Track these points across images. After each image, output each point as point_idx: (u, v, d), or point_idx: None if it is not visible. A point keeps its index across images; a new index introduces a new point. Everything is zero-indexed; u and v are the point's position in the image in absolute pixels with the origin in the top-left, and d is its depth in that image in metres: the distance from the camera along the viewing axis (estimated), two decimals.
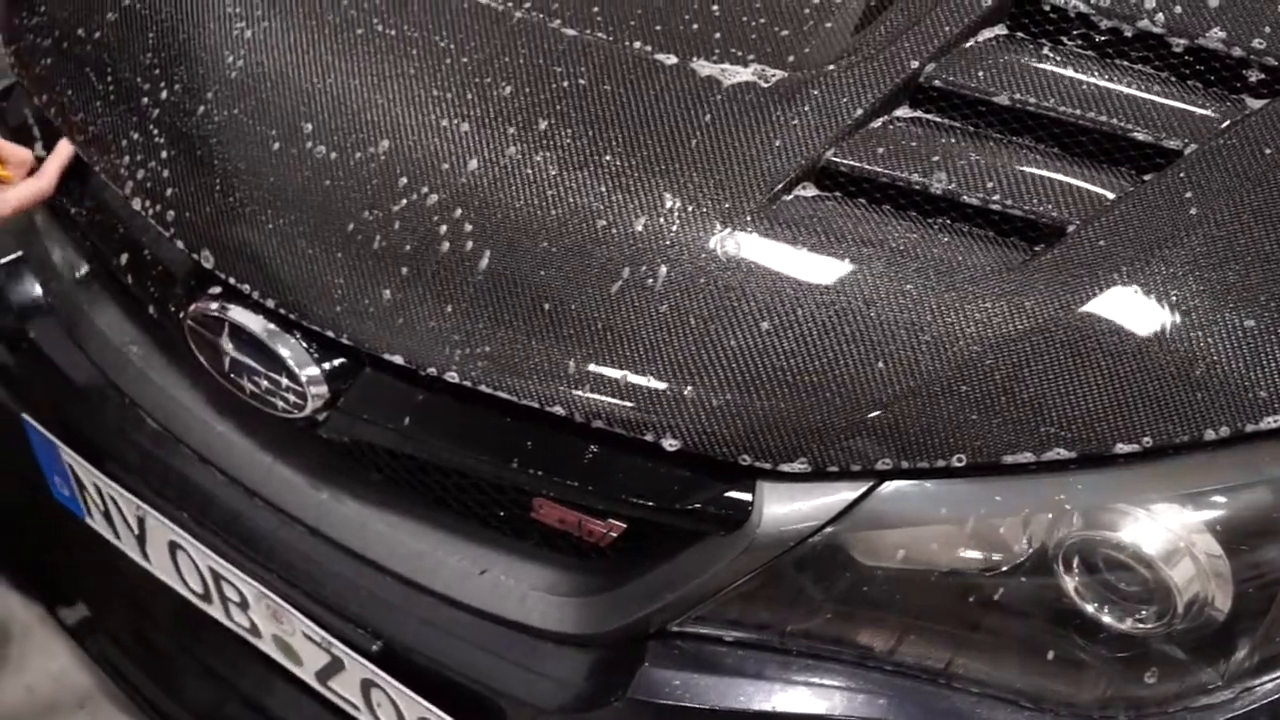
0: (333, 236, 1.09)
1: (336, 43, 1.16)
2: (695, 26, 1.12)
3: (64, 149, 1.28)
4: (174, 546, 1.31)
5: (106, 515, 1.38)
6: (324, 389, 1.11)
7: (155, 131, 1.20)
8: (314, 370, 1.11)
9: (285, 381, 1.12)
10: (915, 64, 1.05)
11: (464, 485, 1.16)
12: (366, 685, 1.20)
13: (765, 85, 1.07)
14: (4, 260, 1.40)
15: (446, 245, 1.05)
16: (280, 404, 1.14)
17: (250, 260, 1.12)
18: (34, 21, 1.32)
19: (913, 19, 1.07)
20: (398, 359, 1.06)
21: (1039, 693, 1.00)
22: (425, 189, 1.07)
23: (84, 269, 1.41)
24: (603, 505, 1.05)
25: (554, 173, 1.05)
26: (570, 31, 1.13)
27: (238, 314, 1.13)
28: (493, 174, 1.06)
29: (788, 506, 0.98)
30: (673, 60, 1.09)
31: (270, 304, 1.11)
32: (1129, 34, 1.05)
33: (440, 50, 1.13)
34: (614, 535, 1.08)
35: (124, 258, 1.24)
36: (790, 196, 1.02)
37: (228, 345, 1.15)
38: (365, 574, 1.19)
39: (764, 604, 1.03)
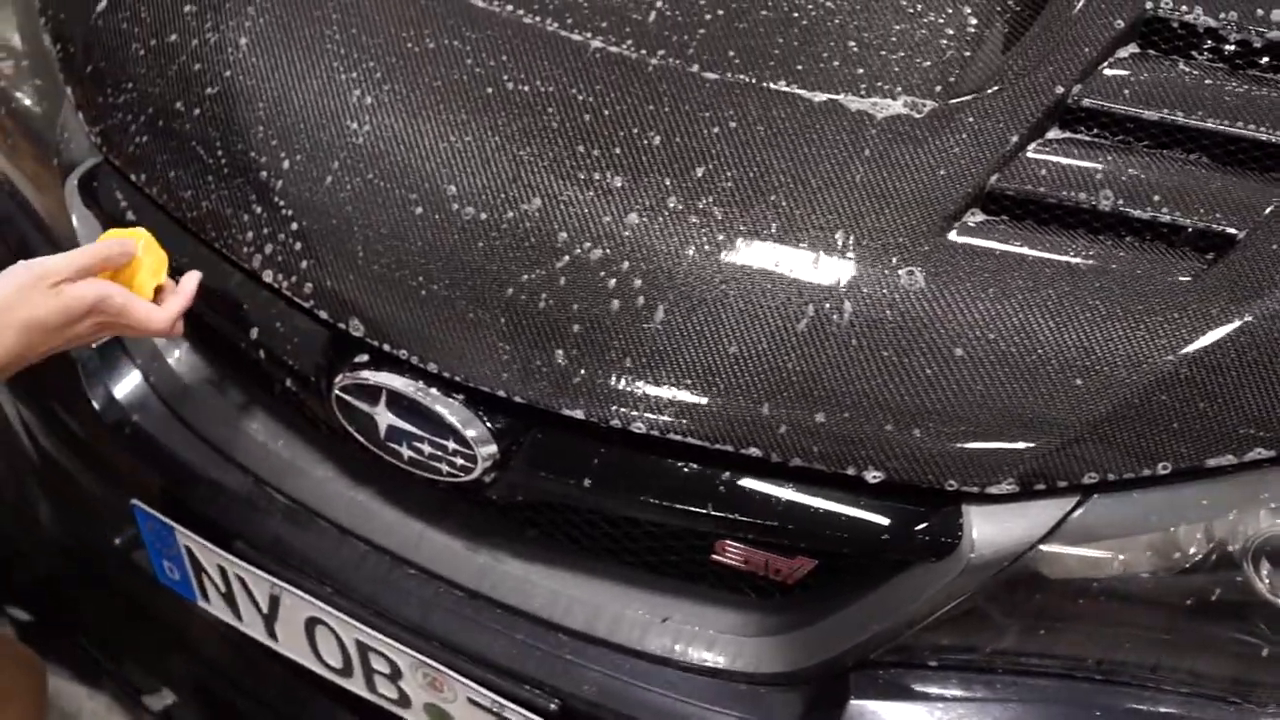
0: (494, 298, 1.08)
1: (468, 102, 1.16)
2: (836, 63, 1.14)
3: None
4: (312, 623, 1.29)
5: (227, 596, 1.35)
6: (493, 449, 1.11)
7: (280, 203, 1.18)
8: (481, 431, 1.10)
9: (452, 445, 1.11)
10: (1061, 88, 1.08)
11: (636, 534, 1.16)
12: None
13: (918, 116, 1.09)
14: (98, 343, 1.37)
15: (617, 302, 1.06)
16: (445, 468, 1.13)
17: (406, 326, 1.11)
18: (122, 99, 1.30)
19: (1051, 44, 1.10)
20: (578, 414, 1.06)
21: (1246, 687, 1.04)
22: (587, 245, 1.08)
23: (181, 351, 1.39)
24: (800, 543, 1.06)
25: (720, 218, 1.07)
26: (711, 76, 1.14)
27: (395, 380, 1.12)
28: (656, 225, 1.07)
29: (998, 528, 1.00)
30: (821, 97, 1.11)
31: (431, 368, 1.10)
32: (1258, 45, 1.10)
33: (580, 104, 1.14)
34: (803, 572, 1.10)
35: (249, 332, 1.22)
36: (961, 224, 1.05)
37: (384, 413, 1.14)
38: (536, 632, 1.19)
39: (970, 625, 1.05)
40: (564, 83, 1.15)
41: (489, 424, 1.11)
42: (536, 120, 1.14)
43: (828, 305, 1.03)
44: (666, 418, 1.04)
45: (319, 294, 1.15)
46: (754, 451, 1.02)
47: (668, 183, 1.09)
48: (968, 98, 1.09)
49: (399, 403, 1.13)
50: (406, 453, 1.15)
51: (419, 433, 1.13)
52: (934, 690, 1.07)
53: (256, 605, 1.33)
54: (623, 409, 1.05)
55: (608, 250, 1.07)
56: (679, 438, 1.04)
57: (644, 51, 1.16)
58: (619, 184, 1.10)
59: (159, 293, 1.17)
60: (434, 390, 1.11)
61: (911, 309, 1.02)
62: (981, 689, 1.06)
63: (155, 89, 1.28)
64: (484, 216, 1.11)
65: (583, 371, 1.06)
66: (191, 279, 1.17)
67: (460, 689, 1.22)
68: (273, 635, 1.35)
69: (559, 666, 1.17)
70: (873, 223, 1.04)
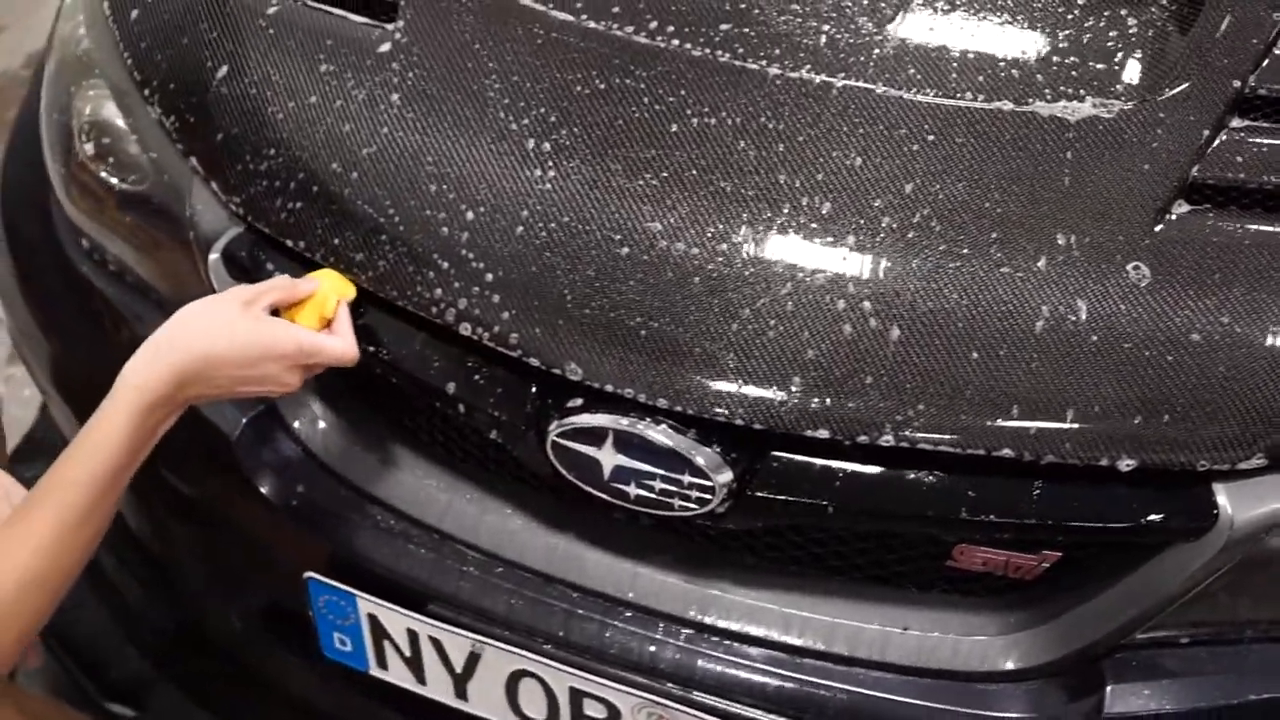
0: (721, 331, 1.10)
1: (655, 139, 1.17)
2: (1015, 73, 1.19)
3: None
4: (517, 677, 1.28)
5: (412, 660, 1.33)
6: (729, 477, 1.12)
7: (470, 256, 1.18)
8: (716, 461, 1.11)
9: (688, 478, 1.12)
10: (1237, 80, 1.14)
11: (868, 548, 1.18)
12: None
13: (1109, 116, 1.14)
14: (250, 416, 1.34)
15: (849, 326, 1.08)
16: (678, 503, 1.14)
17: (631, 365, 1.12)
18: (264, 166, 1.28)
19: (1221, 39, 1.16)
20: (822, 434, 1.08)
21: None
22: (809, 270, 1.10)
23: (331, 414, 1.37)
24: (1055, 538, 1.10)
25: (939, 230, 1.10)
26: (896, 94, 1.17)
27: (622, 421, 1.12)
28: (875, 245, 1.10)
29: (1253, 501, 1.05)
30: (1010, 106, 1.16)
31: (661, 404, 1.11)
32: None
33: (771, 132, 1.16)
34: (1046, 566, 1.13)
35: (445, 388, 1.21)
36: (1170, 216, 1.10)
37: (609, 454, 1.14)
38: (772, 657, 1.20)
39: (1223, 600, 1.09)
40: (749, 113, 1.18)
41: (723, 453, 1.12)
42: (730, 152, 1.16)
43: (1062, 306, 1.07)
44: (915, 430, 1.06)
45: (528, 342, 1.15)
46: (1006, 452, 1.06)
47: (878, 203, 1.12)
48: (1154, 96, 1.15)
49: (626, 442, 1.13)
50: (634, 492, 1.15)
51: (649, 469, 1.13)
52: (1191, 665, 1.11)
53: (449, 666, 1.32)
54: (869, 425, 1.07)
55: (831, 274, 1.10)
56: (928, 447, 1.06)
57: (825, 75, 1.19)
58: (827, 209, 1.12)
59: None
60: (663, 426, 1.12)
61: (1144, 301, 1.06)
62: (1233, 659, 1.11)
63: (303, 153, 1.27)
64: (695, 251, 1.12)
65: (823, 393, 1.08)
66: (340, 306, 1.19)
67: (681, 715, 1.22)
68: (462, 696, 1.34)
69: (800, 687, 1.19)
70: (1090, 223, 1.09)
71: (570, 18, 1.27)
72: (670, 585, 1.24)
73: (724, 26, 1.24)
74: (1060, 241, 1.09)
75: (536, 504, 1.30)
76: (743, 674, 1.21)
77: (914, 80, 1.19)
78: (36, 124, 1.60)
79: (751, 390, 1.09)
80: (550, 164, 1.18)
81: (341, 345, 1.16)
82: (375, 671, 1.38)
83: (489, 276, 1.17)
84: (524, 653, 1.26)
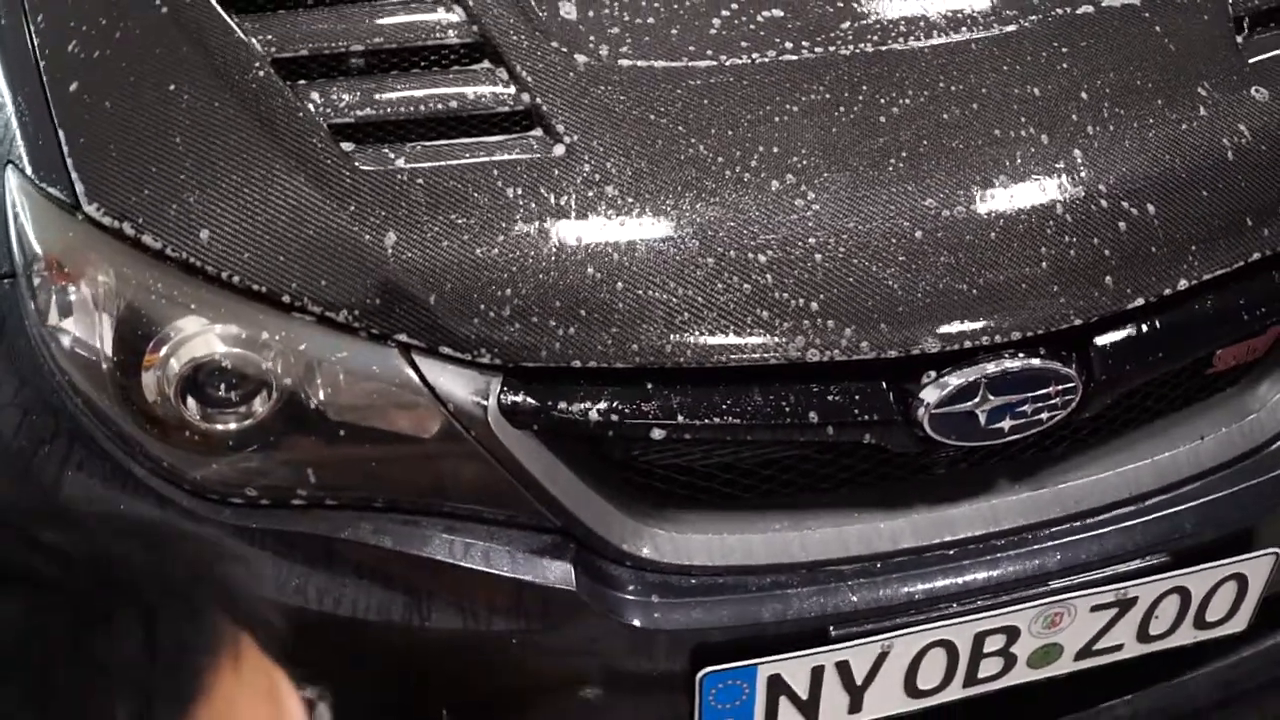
0: (1035, 257, 1.28)
1: (877, 130, 1.32)
2: None
3: None
4: (920, 655, 1.37)
5: (808, 701, 1.37)
6: (1081, 374, 1.30)
7: (785, 295, 1.26)
8: (1070, 365, 1.29)
9: (1053, 389, 1.29)
10: None
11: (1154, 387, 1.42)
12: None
13: None
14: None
15: (1123, 223, 1.31)
16: (1045, 415, 1.30)
17: (975, 318, 1.27)
18: (509, 308, 1.25)
19: None
20: (1138, 301, 1.30)
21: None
22: (1068, 191, 1.31)
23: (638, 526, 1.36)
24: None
25: (1123, 112, 1.35)
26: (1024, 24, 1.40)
27: (989, 367, 1.27)
28: (1097, 146, 1.33)
29: None
30: (1088, 9, 1.43)
31: (1014, 337, 1.27)
32: None
33: (955, 94, 1.35)
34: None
35: (807, 417, 1.27)
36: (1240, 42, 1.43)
37: (984, 401, 1.28)
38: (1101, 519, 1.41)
39: None
40: (927, 83, 1.35)
41: (1068, 357, 1.30)
42: (939, 119, 1.33)
43: (1239, 132, 1.36)
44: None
45: (882, 340, 1.26)
46: None
47: (1075, 116, 1.34)
48: None
49: (996, 385, 1.28)
50: (1009, 424, 1.30)
51: (1019, 398, 1.29)
52: None
53: (849, 684, 1.38)
54: (1161, 279, 1.31)
55: (1080, 186, 1.31)
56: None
57: (952, 35, 1.39)
58: (1045, 139, 1.33)
59: None
60: (1021, 356, 1.28)
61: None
62: None
63: (548, 277, 1.25)
64: (973, 205, 1.29)
65: (1124, 269, 1.30)
66: None
67: (1080, 605, 1.39)
68: (856, 709, 1.40)
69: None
70: (1207, 68, 1.39)
71: (712, 62, 1.36)
72: (1021, 500, 1.39)
73: (844, 25, 1.40)
74: (1201, 92, 1.38)
75: (855, 498, 1.39)
76: (1092, 545, 1.40)
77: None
78: None
79: (1074, 296, 1.28)
80: (804, 188, 1.29)
81: None
82: None
83: (813, 305, 1.26)
84: (931, 625, 1.36)
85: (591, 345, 1.26)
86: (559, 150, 1.31)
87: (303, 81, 1.36)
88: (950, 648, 1.39)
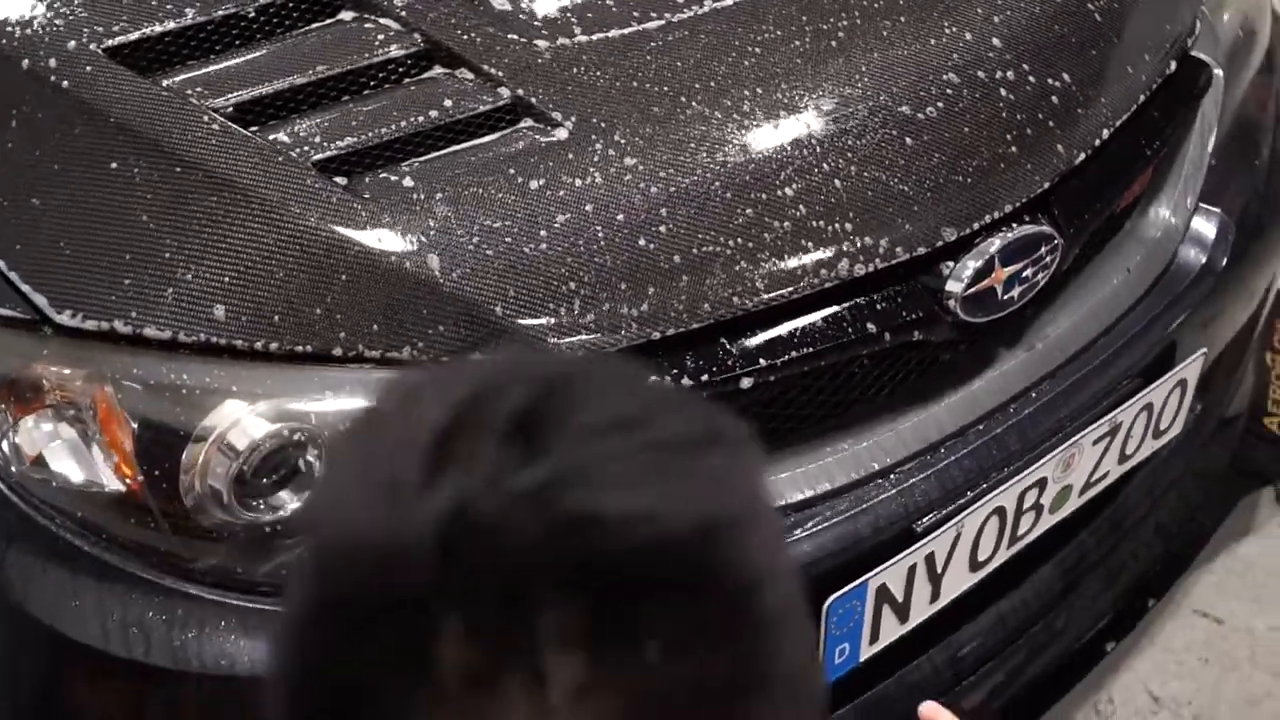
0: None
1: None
2: None
3: None
4: (983, 526, 1.47)
5: (903, 603, 1.44)
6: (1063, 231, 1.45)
7: (816, 223, 1.31)
8: (1047, 225, 1.43)
9: (1043, 250, 1.42)
10: None
11: None
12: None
13: None
14: None
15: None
16: (1040, 276, 1.43)
17: (980, 198, 1.38)
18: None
19: None
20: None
21: None
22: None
23: None
24: None
25: None
26: None
27: (996, 243, 1.38)
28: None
29: None
30: None
31: (1007, 209, 1.39)
32: None
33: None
34: None
35: (868, 329, 1.33)
36: None
37: (999, 274, 1.39)
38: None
39: None
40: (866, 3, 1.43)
41: (1045, 219, 1.44)
42: (893, 40, 1.42)
43: None
44: None
45: (910, 241, 1.34)
46: None
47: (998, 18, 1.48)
48: None
49: (1008, 255, 1.39)
50: (1017, 292, 1.41)
51: (1022, 264, 1.41)
52: None
53: (932, 575, 1.45)
54: None
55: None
56: None
57: None
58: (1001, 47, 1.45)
59: None
60: (1014, 226, 1.40)
61: None
62: None
63: (603, 261, 1.24)
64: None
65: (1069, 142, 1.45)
66: None
67: (1086, 442, 1.54)
68: (936, 597, 1.48)
69: None
70: None
71: (660, 20, 1.39)
72: (1011, 370, 1.52)
73: None
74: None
75: (896, 402, 1.46)
76: (1088, 385, 1.55)
77: None
78: None
79: (1038, 165, 1.42)
80: (798, 119, 1.34)
81: None
82: (866, 653, 1.44)
83: (847, 225, 1.32)
84: (988, 498, 1.45)
85: (666, 314, 1.26)
86: (562, 135, 1.30)
87: (256, 127, 1.26)
88: (1002, 513, 1.50)
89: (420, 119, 1.29)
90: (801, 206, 1.31)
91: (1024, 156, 1.42)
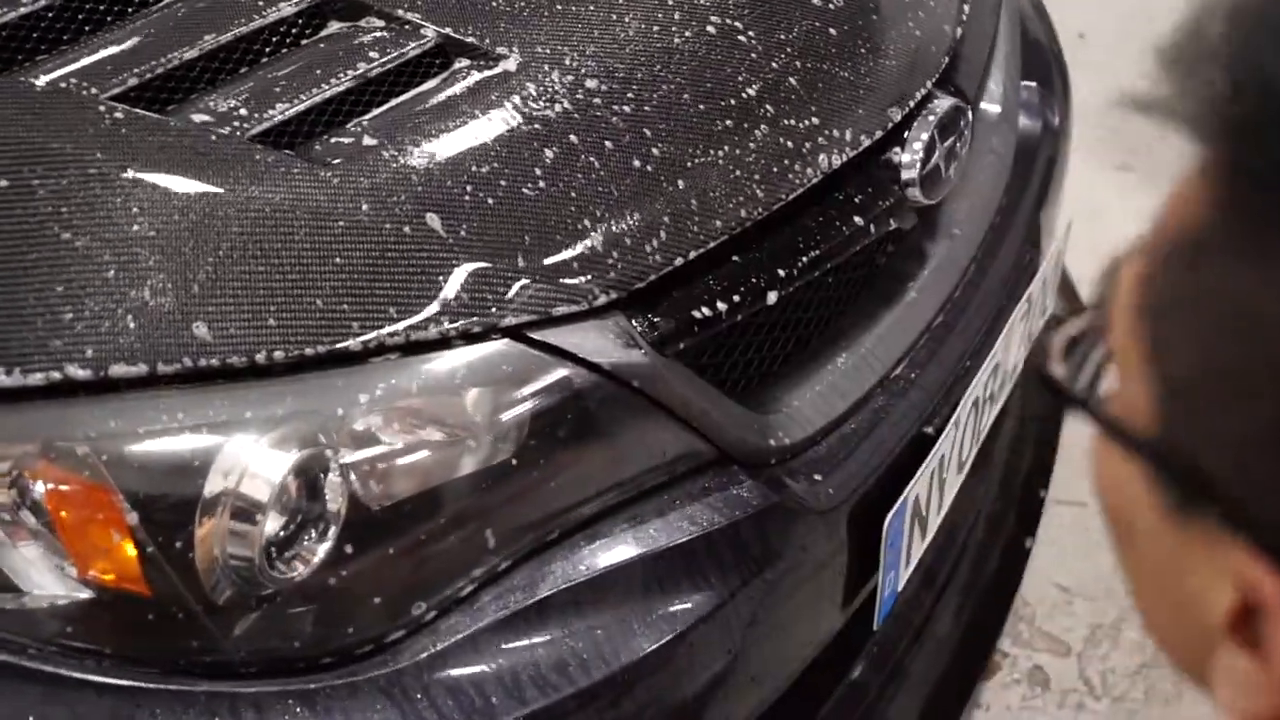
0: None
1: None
2: None
3: None
4: (969, 414, 1.42)
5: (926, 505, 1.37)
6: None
7: (792, 117, 1.23)
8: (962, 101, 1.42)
9: (962, 122, 1.41)
10: None
11: None
12: None
13: None
14: None
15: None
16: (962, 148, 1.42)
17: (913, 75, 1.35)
18: None
19: None
20: None
21: None
22: None
23: None
24: None
25: None
26: None
27: (925, 136, 1.35)
28: None
29: None
30: None
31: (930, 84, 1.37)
32: None
33: None
34: None
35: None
36: None
37: (939, 149, 1.36)
38: None
39: None
40: None
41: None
42: None
43: None
44: None
45: (869, 125, 1.28)
46: None
47: None
48: None
49: (944, 128, 1.36)
50: (953, 168, 1.39)
51: (951, 139, 1.38)
52: None
53: (939, 479, 1.39)
54: None
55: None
56: None
57: None
58: None
59: None
60: (937, 100, 1.38)
61: None
62: None
63: (609, 190, 1.10)
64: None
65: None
66: None
67: (1015, 319, 1.53)
68: (942, 505, 1.42)
69: None
70: None
71: None
72: (946, 251, 1.48)
73: None
74: None
75: (868, 308, 1.39)
76: (1003, 257, 1.55)
77: None
78: None
79: (937, 49, 1.41)
80: (734, 23, 1.25)
81: None
82: (902, 581, 1.36)
83: (814, 120, 1.24)
84: (969, 390, 1.41)
85: (684, 237, 1.13)
86: (510, 67, 1.14)
87: (172, 107, 1.02)
88: (977, 405, 1.46)
89: (350, 74, 1.09)
90: (768, 106, 1.23)
91: (925, 37, 1.41)
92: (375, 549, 0.99)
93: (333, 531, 0.98)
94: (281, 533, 0.97)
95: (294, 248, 0.98)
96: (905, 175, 1.33)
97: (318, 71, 1.09)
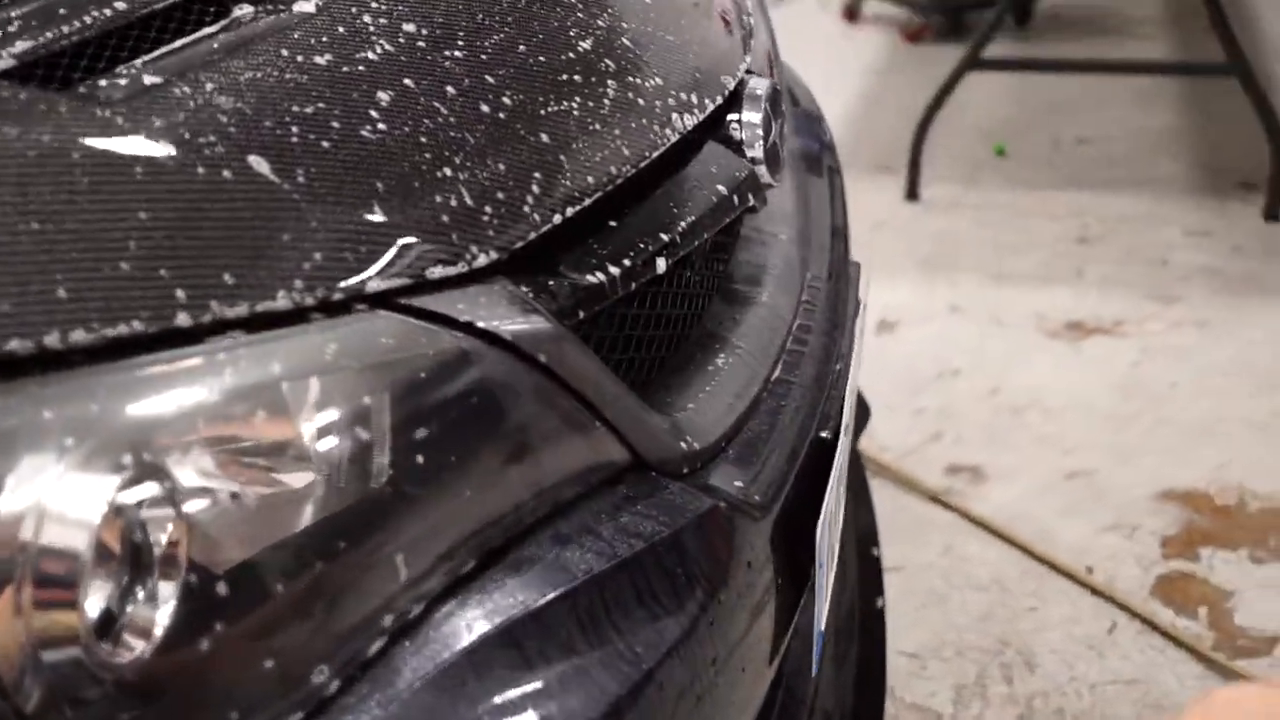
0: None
1: None
2: None
3: None
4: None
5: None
6: None
7: (640, 76, 1.06)
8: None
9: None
10: None
11: None
12: None
13: None
14: None
15: None
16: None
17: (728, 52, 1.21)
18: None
19: None
20: None
21: None
22: None
23: None
24: None
25: None
26: None
27: (758, 91, 1.21)
28: None
29: None
30: None
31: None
32: None
33: None
34: None
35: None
36: None
37: (769, 126, 1.22)
38: None
39: None
40: None
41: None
42: None
43: None
44: None
45: (714, 89, 1.13)
46: None
47: None
48: None
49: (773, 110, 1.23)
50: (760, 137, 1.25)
51: (778, 125, 1.25)
52: None
53: (838, 502, 1.20)
54: None
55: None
56: None
57: None
58: None
59: None
60: (753, 79, 1.25)
61: None
62: None
63: (464, 137, 0.89)
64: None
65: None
66: None
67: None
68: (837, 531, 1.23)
69: None
70: None
71: None
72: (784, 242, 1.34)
73: None
74: None
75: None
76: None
77: None
78: None
79: (742, 33, 1.29)
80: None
81: None
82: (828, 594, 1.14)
83: (659, 81, 1.08)
84: (851, 374, 1.25)
85: (558, 194, 0.92)
86: (309, 7, 0.92)
87: None
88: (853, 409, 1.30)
89: (107, 12, 0.83)
90: (609, 61, 1.05)
91: (730, 19, 1.28)
92: (241, 605, 0.70)
93: (174, 586, 0.69)
94: (107, 597, 0.67)
95: (79, 199, 0.71)
96: (750, 153, 1.19)
97: (63, 10, 0.83)
